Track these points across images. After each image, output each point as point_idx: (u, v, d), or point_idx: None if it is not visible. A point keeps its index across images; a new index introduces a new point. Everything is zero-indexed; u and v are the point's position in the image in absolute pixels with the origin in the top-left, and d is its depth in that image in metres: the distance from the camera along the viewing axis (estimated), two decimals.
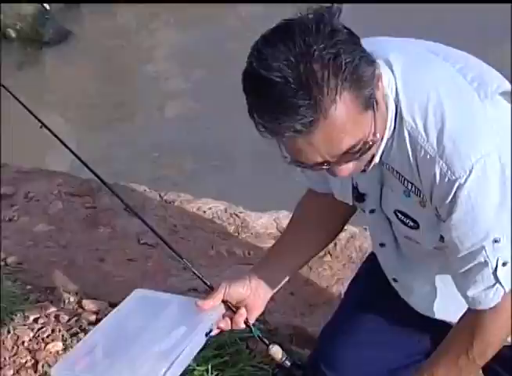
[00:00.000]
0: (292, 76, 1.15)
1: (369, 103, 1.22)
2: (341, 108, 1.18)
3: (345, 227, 2.36)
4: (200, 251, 2.34)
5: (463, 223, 1.35)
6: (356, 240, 2.35)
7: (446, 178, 1.30)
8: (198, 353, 1.52)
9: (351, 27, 1.21)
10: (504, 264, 1.38)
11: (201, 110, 4.57)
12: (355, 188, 1.49)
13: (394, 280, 1.63)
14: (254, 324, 1.55)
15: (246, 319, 1.53)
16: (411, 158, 1.34)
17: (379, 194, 1.47)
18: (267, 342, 1.55)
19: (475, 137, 1.30)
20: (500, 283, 1.40)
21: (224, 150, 4.02)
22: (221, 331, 1.56)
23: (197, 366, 1.95)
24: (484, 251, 1.37)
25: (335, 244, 2.31)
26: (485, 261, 1.38)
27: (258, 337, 1.55)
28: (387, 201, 1.46)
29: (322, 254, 2.29)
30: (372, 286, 1.71)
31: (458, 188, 1.31)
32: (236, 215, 2.53)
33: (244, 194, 3.18)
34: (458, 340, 1.50)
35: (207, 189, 3.07)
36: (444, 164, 1.30)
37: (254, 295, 1.54)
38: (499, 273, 1.38)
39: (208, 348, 2.00)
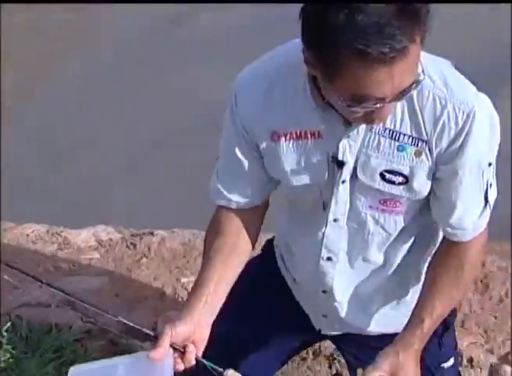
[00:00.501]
0: (390, 7, 1.20)
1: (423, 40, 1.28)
2: (419, 42, 1.25)
3: (155, 232, 2.72)
4: (29, 270, 2.54)
5: (472, 156, 1.42)
6: (166, 242, 2.65)
7: (461, 112, 1.38)
8: None
9: None
10: (491, 185, 1.49)
11: None
12: (333, 158, 1.47)
13: (329, 258, 1.60)
14: (203, 356, 1.46)
15: (196, 354, 1.45)
16: (416, 106, 1.39)
17: (353, 165, 1.47)
18: (220, 370, 1.45)
19: (467, 79, 1.43)
20: (489, 204, 1.49)
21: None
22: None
23: (36, 370, 2.16)
24: (482, 177, 1.46)
25: (149, 248, 2.62)
26: (482, 187, 1.47)
27: (211, 367, 1.44)
28: (370, 167, 1.46)
29: (138, 257, 2.61)
30: (252, 291, 1.72)
31: (472, 119, 1.39)
32: (58, 234, 2.73)
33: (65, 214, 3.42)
34: (449, 272, 1.53)
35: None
36: (457, 100, 1.38)
37: (199, 327, 1.46)
38: (488, 194, 1.49)
39: (47, 353, 2.23)
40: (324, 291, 1.65)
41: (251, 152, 1.53)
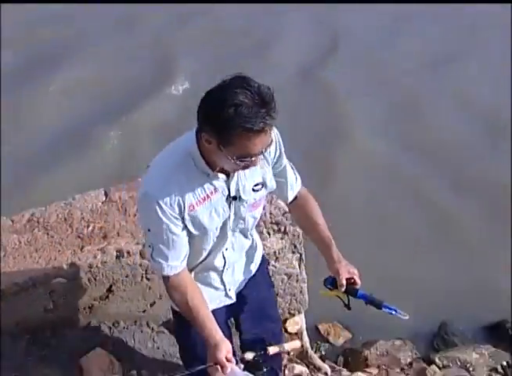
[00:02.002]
0: (256, 101, 1.91)
1: None
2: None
3: None
4: None
5: (283, 149, 2.30)
6: None
7: (274, 130, 2.09)
8: None
9: None
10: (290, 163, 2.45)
11: None
12: (228, 197, 2.22)
13: (226, 249, 2.41)
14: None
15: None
16: None
17: (239, 193, 2.23)
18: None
19: None
20: (295, 171, 2.48)
21: None
22: None
23: None
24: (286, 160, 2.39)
25: None
26: (290, 165, 2.42)
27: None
28: (246, 189, 2.25)
29: None
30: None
31: (275, 132, 2.20)
32: None
33: None
34: (313, 208, 2.49)
35: None
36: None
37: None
38: (293, 167, 2.48)
39: None
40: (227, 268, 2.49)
41: (181, 224, 2.22)
